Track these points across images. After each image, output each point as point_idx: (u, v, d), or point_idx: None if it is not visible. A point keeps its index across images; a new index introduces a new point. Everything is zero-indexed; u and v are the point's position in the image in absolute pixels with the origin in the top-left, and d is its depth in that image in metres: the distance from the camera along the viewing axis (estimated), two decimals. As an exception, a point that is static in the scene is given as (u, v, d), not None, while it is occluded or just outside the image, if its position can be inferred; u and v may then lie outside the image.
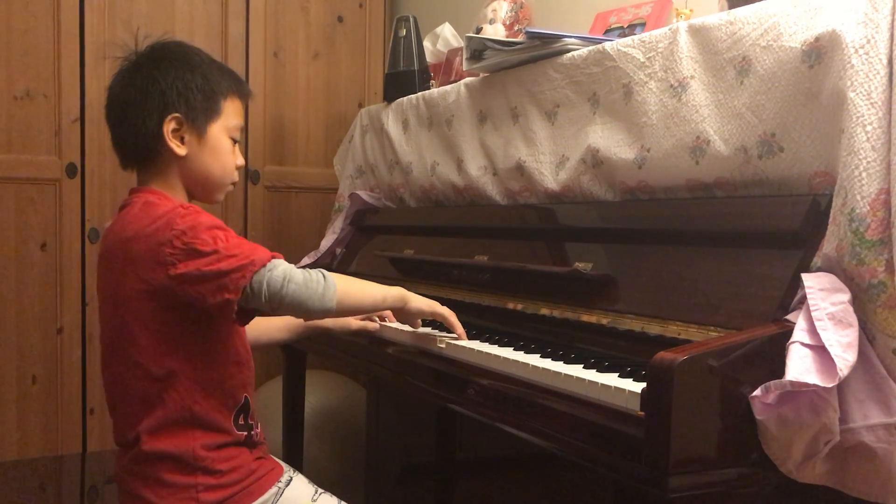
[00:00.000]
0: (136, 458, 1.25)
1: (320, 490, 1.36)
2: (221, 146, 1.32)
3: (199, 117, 1.29)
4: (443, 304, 1.41)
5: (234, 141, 1.35)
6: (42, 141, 2.39)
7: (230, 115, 1.33)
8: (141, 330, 1.23)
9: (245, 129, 2.68)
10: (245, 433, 1.30)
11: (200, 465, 1.23)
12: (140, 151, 1.30)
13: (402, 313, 1.42)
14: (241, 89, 1.36)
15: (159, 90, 1.27)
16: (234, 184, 1.38)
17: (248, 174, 2.70)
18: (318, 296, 1.21)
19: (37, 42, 2.37)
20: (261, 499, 1.27)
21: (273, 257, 1.21)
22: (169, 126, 1.27)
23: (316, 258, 2.27)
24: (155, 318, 1.22)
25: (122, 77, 1.32)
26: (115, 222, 1.30)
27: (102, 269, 1.31)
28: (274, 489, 1.29)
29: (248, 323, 1.27)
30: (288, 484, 1.32)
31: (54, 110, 2.40)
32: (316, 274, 1.23)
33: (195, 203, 1.33)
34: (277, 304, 1.20)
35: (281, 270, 1.19)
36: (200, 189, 1.34)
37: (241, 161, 1.37)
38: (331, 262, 2.25)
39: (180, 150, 1.29)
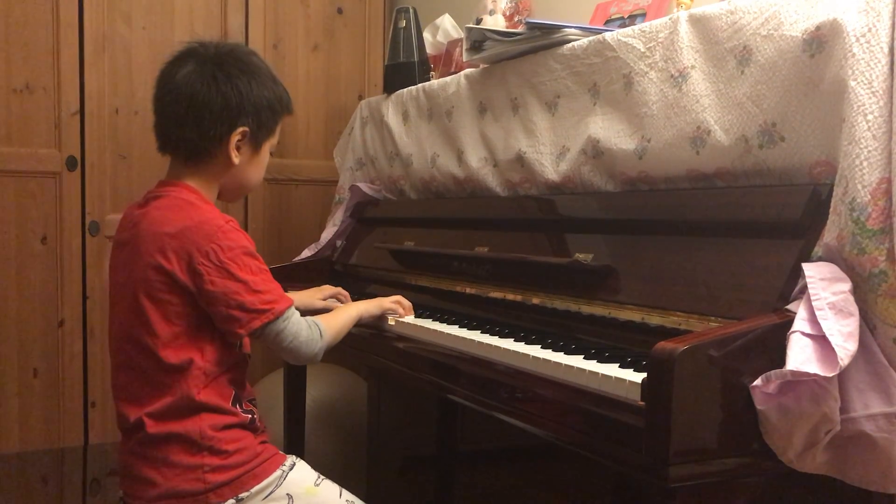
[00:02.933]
0: (142, 441, 1.27)
1: (322, 476, 1.37)
2: (264, 161, 1.40)
3: (261, 135, 1.36)
4: (443, 298, 1.43)
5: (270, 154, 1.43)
6: (42, 134, 2.39)
7: (278, 133, 1.41)
8: (161, 320, 1.26)
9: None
10: (249, 416, 1.32)
11: (207, 444, 1.25)
12: (196, 150, 1.33)
13: (361, 321, 1.56)
14: (290, 108, 1.43)
15: (239, 102, 1.31)
16: None
17: (249, 167, 2.69)
18: (311, 353, 1.34)
19: (36, 35, 2.37)
20: (265, 481, 1.29)
21: (288, 307, 1.30)
22: (235, 137, 1.32)
23: (316, 250, 2.27)
24: (177, 311, 1.26)
25: (203, 74, 1.31)
26: (147, 212, 1.31)
27: (123, 256, 1.33)
28: (278, 472, 1.31)
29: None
30: (291, 468, 1.33)
31: (54, 103, 2.40)
32: (315, 330, 1.35)
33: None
34: (277, 350, 1.32)
35: (293, 325, 1.31)
36: (231, 192, 1.41)
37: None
38: (331, 255, 2.25)
39: (236, 160, 1.34)
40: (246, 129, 1.32)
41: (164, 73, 1.34)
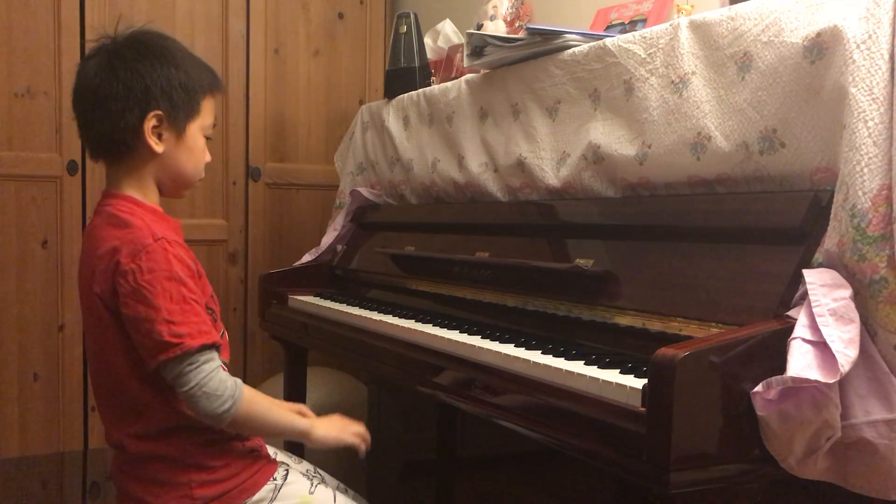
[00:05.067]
0: (128, 459, 1.25)
1: (316, 481, 1.36)
2: (197, 145, 1.31)
3: (179, 116, 1.27)
4: (444, 303, 1.40)
5: (207, 138, 1.34)
6: (43, 138, 2.40)
7: (206, 114, 1.32)
8: (124, 340, 1.21)
9: (246, 126, 2.69)
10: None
11: (193, 461, 1.23)
12: (115, 145, 1.26)
13: (309, 443, 1.34)
14: (217, 86, 1.34)
15: (143, 86, 1.23)
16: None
17: (249, 171, 2.70)
18: (211, 410, 1.16)
19: (37, 39, 2.37)
20: (257, 495, 1.27)
21: (204, 347, 1.16)
22: (150, 123, 1.24)
23: (317, 255, 2.27)
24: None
25: (102, 66, 1.26)
26: (89, 231, 1.27)
27: (83, 278, 1.27)
28: (271, 485, 1.29)
29: None
30: (284, 479, 1.31)
31: (55, 107, 2.40)
32: (232, 391, 1.18)
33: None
34: (181, 396, 1.17)
35: (200, 372, 1.15)
36: (171, 186, 1.32)
37: (209, 158, 1.35)
38: (332, 259, 2.25)
39: (158, 148, 1.26)
40: (159, 112, 1.24)
41: (76, 76, 1.29)
